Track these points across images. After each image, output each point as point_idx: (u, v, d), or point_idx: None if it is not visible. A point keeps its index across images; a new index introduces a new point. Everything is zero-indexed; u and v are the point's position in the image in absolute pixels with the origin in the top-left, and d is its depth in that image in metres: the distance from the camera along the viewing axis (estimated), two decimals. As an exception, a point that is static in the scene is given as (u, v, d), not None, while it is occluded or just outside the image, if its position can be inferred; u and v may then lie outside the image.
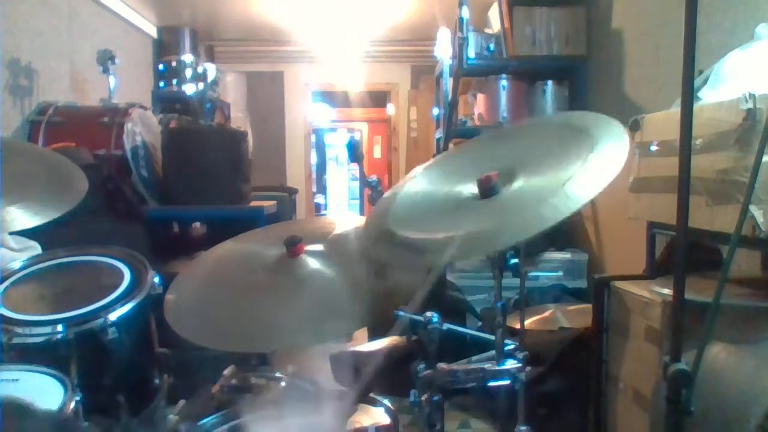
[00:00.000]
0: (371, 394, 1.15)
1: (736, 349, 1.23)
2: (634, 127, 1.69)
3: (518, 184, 0.94)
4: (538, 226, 0.82)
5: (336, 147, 9.95)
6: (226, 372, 1.41)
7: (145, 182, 2.76)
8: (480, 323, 2.53)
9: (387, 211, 1.03)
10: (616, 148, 0.90)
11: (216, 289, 1.18)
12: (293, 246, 1.15)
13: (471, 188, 0.98)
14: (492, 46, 3.27)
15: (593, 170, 0.87)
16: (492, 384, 1.02)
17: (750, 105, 1.18)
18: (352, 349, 1.21)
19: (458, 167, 1.11)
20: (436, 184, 1.08)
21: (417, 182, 1.11)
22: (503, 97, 3.26)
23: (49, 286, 1.48)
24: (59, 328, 1.29)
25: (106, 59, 3.01)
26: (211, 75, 4.46)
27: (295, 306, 1.06)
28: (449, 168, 1.13)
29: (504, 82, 3.25)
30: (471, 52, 3.20)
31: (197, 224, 3.37)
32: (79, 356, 1.29)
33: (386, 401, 1.14)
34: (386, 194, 1.11)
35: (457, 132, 3.31)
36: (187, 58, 4.41)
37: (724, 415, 1.14)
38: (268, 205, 3.04)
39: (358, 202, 9.78)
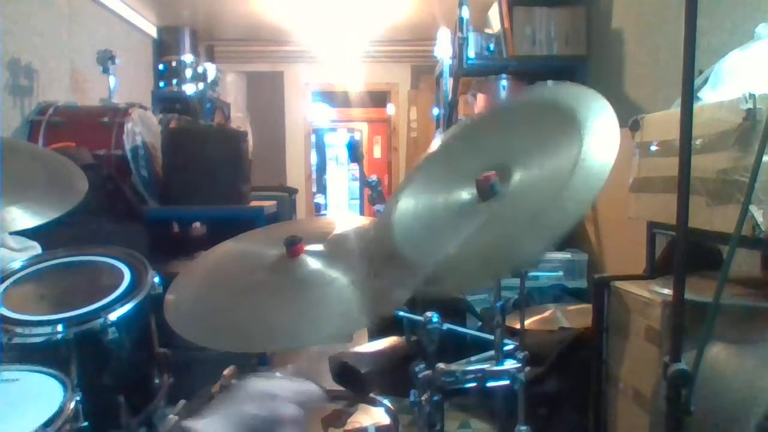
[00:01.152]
0: (371, 394, 1.15)
1: (736, 349, 1.23)
2: (634, 127, 1.69)
3: (516, 180, 0.91)
4: (552, 235, 0.76)
5: (336, 147, 9.95)
6: (226, 372, 1.41)
7: (145, 182, 2.76)
8: (480, 323, 2.53)
9: (390, 227, 1.01)
10: (606, 127, 0.85)
11: (216, 289, 1.18)
12: (293, 246, 1.15)
13: (469, 189, 0.95)
14: (492, 46, 3.27)
15: (592, 157, 0.81)
16: (492, 384, 1.02)
17: (750, 105, 1.18)
18: (351, 349, 1.21)
19: (451, 165, 1.09)
20: (433, 189, 1.05)
21: (414, 189, 1.08)
22: (503, 97, 3.26)
23: (49, 286, 1.48)
24: (59, 328, 1.29)
25: (106, 59, 3.02)
26: (211, 75, 4.46)
27: (295, 306, 1.06)
28: (442, 168, 1.11)
29: (504, 82, 3.25)
30: (471, 52, 3.20)
31: (197, 224, 3.38)
32: (79, 356, 1.29)
33: (386, 401, 1.14)
34: (389, 201, 1.09)
35: (457, 132, 3.30)
36: (187, 58, 4.41)
37: (724, 415, 1.14)
38: (268, 205, 3.04)
39: (358, 202, 9.78)
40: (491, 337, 1.05)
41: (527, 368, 1.04)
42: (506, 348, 1.05)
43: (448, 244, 0.89)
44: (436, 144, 1.19)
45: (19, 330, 1.28)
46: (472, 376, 1.02)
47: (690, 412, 0.94)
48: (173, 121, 3.41)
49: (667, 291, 1.45)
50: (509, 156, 0.96)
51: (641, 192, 1.67)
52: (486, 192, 0.91)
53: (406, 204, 1.06)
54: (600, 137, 0.84)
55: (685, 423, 0.95)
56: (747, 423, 1.08)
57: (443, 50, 3.10)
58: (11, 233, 1.64)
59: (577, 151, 0.83)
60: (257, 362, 1.55)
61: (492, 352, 1.04)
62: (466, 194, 0.96)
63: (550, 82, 0.97)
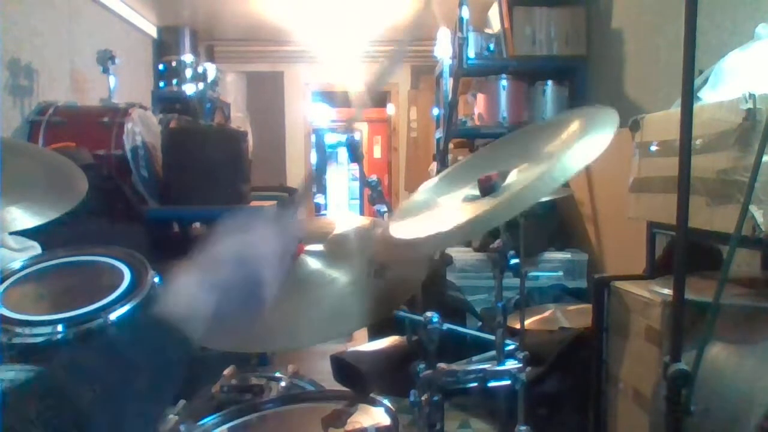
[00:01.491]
0: (371, 394, 1.15)
1: (736, 349, 1.23)
2: (634, 127, 1.69)
3: (509, 180, 0.95)
4: (529, 200, 0.86)
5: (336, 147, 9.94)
6: (226, 372, 1.41)
7: (145, 182, 2.76)
8: (480, 323, 2.53)
9: (390, 222, 1.04)
10: (603, 129, 0.90)
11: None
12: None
13: (471, 189, 0.98)
14: (492, 46, 3.27)
15: (579, 149, 0.88)
16: (492, 384, 1.02)
17: (750, 105, 1.18)
18: (352, 349, 1.21)
19: (461, 177, 1.12)
20: (438, 191, 1.08)
21: (419, 195, 1.12)
22: (503, 97, 3.26)
23: (49, 286, 1.48)
24: (59, 328, 1.29)
25: (106, 59, 3.02)
26: (211, 75, 4.46)
27: (295, 306, 1.06)
28: (453, 179, 1.14)
29: (504, 82, 3.25)
30: (471, 52, 3.20)
31: (197, 224, 3.37)
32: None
33: (386, 401, 1.14)
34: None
35: (457, 132, 3.31)
36: (187, 58, 4.41)
37: (724, 415, 1.14)
38: (268, 205, 3.04)
39: (358, 202, 9.78)
40: (491, 337, 1.05)
41: (527, 368, 1.04)
42: (507, 348, 1.05)
43: (439, 222, 0.94)
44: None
45: (19, 330, 1.28)
46: (473, 376, 1.02)
47: (690, 412, 0.95)
48: (173, 121, 3.41)
49: (667, 291, 1.45)
50: (513, 162, 0.99)
51: (641, 192, 1.67)
52: (486, 189, 0.93)
53: (410, 200, 1.08)
54: (590, 135, 0.89)
55: (685, 423, 0.95)
56: (747, 423, 1.08)
57: (443, 50, 3.10)
58: (11, 233, 1.64)
59: (556, 158, 0.89)
60: (257, 362, 1.55)
61: (493, 352, 1.04)
62: (468, 193, 0.99)
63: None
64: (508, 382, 1.02)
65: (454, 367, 1.02)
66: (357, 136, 8.81)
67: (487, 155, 1.23)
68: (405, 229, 0.97)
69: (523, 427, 1.07)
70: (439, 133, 3.69)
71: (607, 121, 0.91)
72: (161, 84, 4.39)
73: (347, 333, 1.08)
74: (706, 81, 1.49)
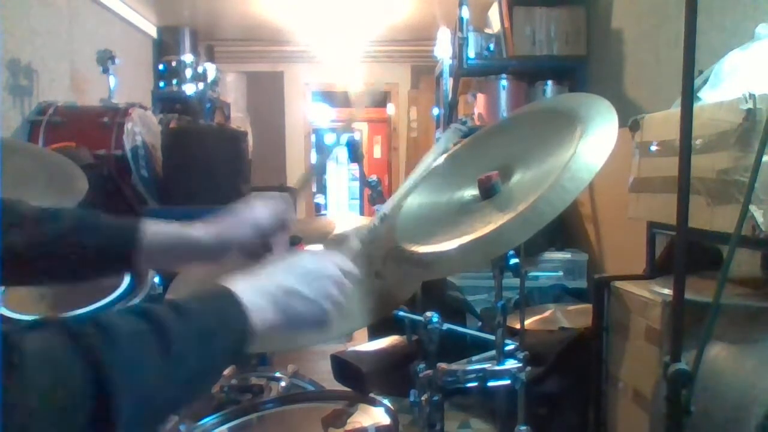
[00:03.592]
0: (371, 394, 1.15)
1: (736, 349, 1.23)
2: (634, 127, 1.69)
3: (515, 179, 0.93)
4: (537, 224, 0.80)
5: (336, 147, 9.93)
6: (226, 372, 1.41)
7: (145, 182, 2.76)
8: (480, 323, 2.53)
9: (393, 226, 1.02)
10: (605, 129, 0.87)
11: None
12: (293, 246, 1.15)
13: (471, 189, 0.97)
14: (492, 46, 3.27)
15: (585, 155, 0.84)
16: (492, 384, 1.02)
17: (750, 105, 1.18)
18: (351, 348, 1.21)
19: (455, 170, 1.10)
20: (438, 192, 1.07)
21: (418, 194, 1.10)
22: (503, 97, 3.26)
23: (49, 287, 1.48)
24: (59, 328, 1.29)
25: (106, 59, 3.02)
26: (211, 75, 4.46)
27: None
28: (446, 173, 1.12)
29: (504, 82, 3.25)
30: (471, 52, 3.20)
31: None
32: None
33: (386, 401, 1.14)
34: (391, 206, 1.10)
35: (457, 132, 3.31)
36: (187, 58, 4.41)
37: (724, 415, 1.14)
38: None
39: (358, 202, 9.78)
40: (491, 337, 1.05)
41: (527, 368, 1.04)
42: (506, 348, 1.05)
43: (446, 236, 0.90)
44: (440, 157, 1.19)
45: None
46: (473, 375, 1.02)
47: (690, 412, 0.95)
48: (173, 121, 3.41)
49: (667, 291, 1.45)
50: (513, 158, 0.97)
51: (641, 192, 1.67)
52: (487, 191, 0.92)
53: (410, 204, 1.07)
54: (594, 139, 0.86)
55: (685, 423, 0.95)
56: (747, 423, 1.08)
57: (443, 50, 3.10)
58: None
59: (571, 152, 0.84)
60: (257, 362, 1.55)
61: (492, 352, 1.04)
62: (468, 194, 0.97)
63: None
64: (508, 382, 1.02)
65: (454, 367, 1.02)
66: (357, 136, 8.82)
67: (479, 147, 1.20)
68: (412, 241, 0.95)
69: (523, 427, 1.07)
70: (439, 133, 3.69)
71: (606, 117, 0.89)
72: (161, 84, 4.39)
73: (347, 333, 1.07)
74: (706, 81, 1.49)
